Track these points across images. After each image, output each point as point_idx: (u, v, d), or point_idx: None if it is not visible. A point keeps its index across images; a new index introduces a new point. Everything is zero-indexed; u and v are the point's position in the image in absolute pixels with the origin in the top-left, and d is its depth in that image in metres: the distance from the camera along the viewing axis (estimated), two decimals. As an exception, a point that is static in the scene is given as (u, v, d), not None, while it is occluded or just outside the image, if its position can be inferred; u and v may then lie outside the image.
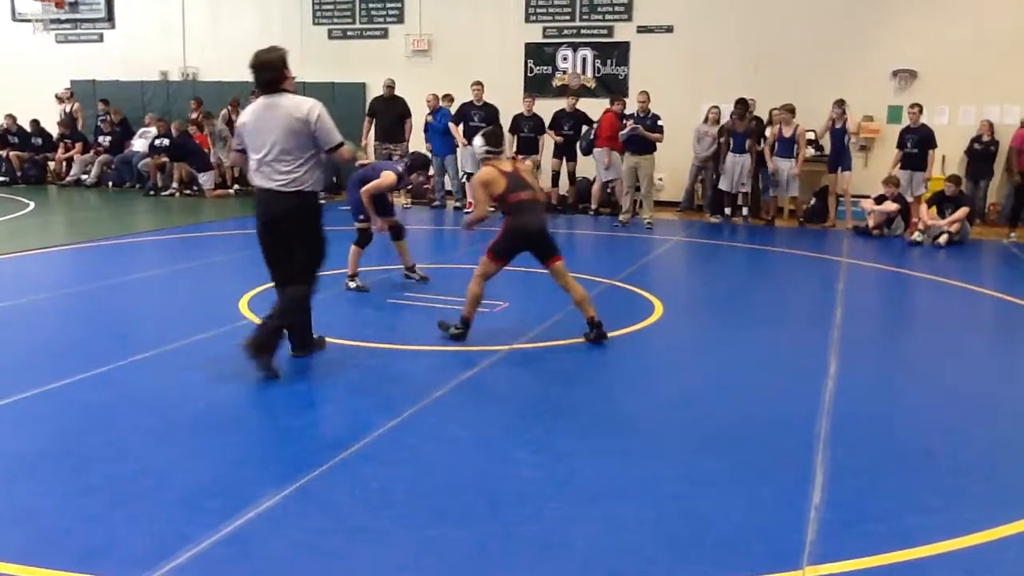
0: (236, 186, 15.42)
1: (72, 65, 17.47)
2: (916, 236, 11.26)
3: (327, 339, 5.86)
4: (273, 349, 5.12)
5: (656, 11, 14.40)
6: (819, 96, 12.75)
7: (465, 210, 12.72)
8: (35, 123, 17.03)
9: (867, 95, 13.21)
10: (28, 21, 17.84)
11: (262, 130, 5.10)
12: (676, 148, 13.14)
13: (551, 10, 14.98)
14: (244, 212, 13.13)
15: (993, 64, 12.73)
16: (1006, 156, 12.66)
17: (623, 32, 14.68)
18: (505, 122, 13.81)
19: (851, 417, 4.71)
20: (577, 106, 13.69)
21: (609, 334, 6.16)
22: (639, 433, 4.49)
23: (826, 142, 12.83)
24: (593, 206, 13.54)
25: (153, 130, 15.74)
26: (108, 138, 16.48)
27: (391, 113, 13.87)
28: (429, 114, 13.85)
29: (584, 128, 13.52)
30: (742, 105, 12.64)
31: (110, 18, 17.53)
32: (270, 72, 5.07)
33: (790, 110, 12.46)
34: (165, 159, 15.23)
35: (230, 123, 15.58)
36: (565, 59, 15.01)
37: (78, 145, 16.73)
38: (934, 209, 11.55)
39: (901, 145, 12.32)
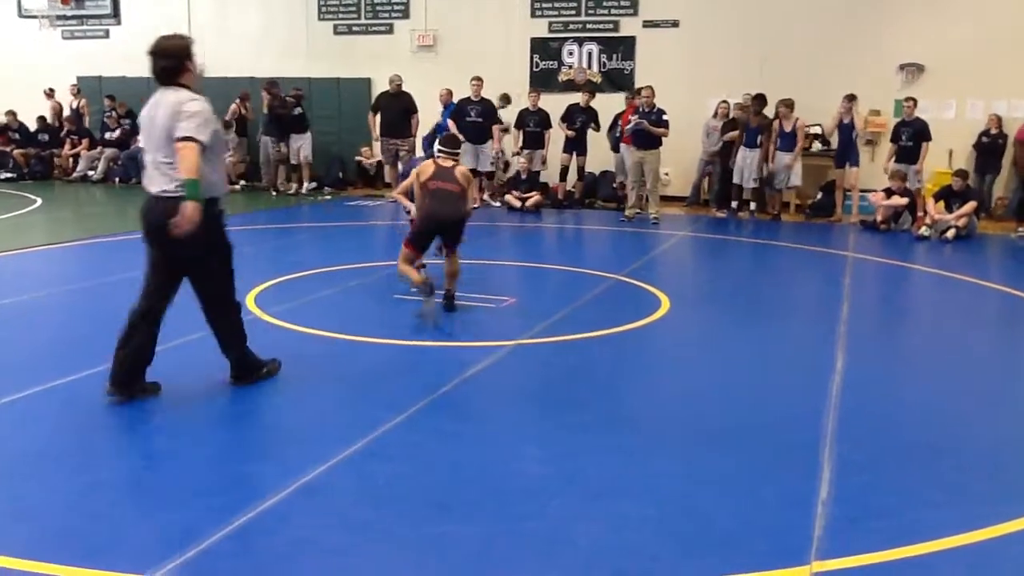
0: (242, 182, 15.44)
1: (78, 61, 17.48)
2: (923, 231, 11.21)
3: (331, 334, 5.84)
4: (254, 368, 4.95)
5: (662, 5, 14.37)
6: (825, 91, 12.72)
7: None
8: (41, 119, 17.07)
9: (874, 89, 13.15)
10: (34, 17, 17.85)
11: (147, 127, 4.48)
12: (682, 143, 13.10)
13: (557, 4, 14.96)
14: (250, 208, 13.17)
15: (1001, 58, 12.68)
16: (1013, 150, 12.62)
17: (629, 27, 14.65)
18: (511, 117, 13.86)
19: (857, 413, 4.70)
20: (592, 102, 13.68)
21: (614, 329, 6.16)
22: (644, 429, 4.48)
23: (834, 137, 12.80)
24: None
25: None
26: (115, 133, 16.51)
27: (396, 108, 13.86)
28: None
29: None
30: (760, 100, 12.59)
31: (116, 14, 17.52)
32: (165, 60, 4.46)
33: (788, 105, 12.42)
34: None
35: (240, 119, 15.63)
36: (571, 54, 14.98)
37: (84, 141, 16.76)
38: (941, 203, 11.50)
39: (895, 138, 12.30)
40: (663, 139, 12.23)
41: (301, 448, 4.09)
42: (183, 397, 4.77)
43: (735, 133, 12.93)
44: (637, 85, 13.74)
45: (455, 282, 6.90)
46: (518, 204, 13.15)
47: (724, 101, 13.28)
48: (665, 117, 12.26)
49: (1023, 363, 6.18)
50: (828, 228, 12.21)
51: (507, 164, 14.21)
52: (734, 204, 13.02)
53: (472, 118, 13.24)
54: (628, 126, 12.44)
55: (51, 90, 17.25)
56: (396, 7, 15.82)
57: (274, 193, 14.78)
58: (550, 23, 15.02)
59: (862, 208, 12.50)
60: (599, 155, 13.91)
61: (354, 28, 16.11)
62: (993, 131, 12.60)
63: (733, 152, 12.92)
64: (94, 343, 5.80)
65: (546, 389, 5.16)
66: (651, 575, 3.09)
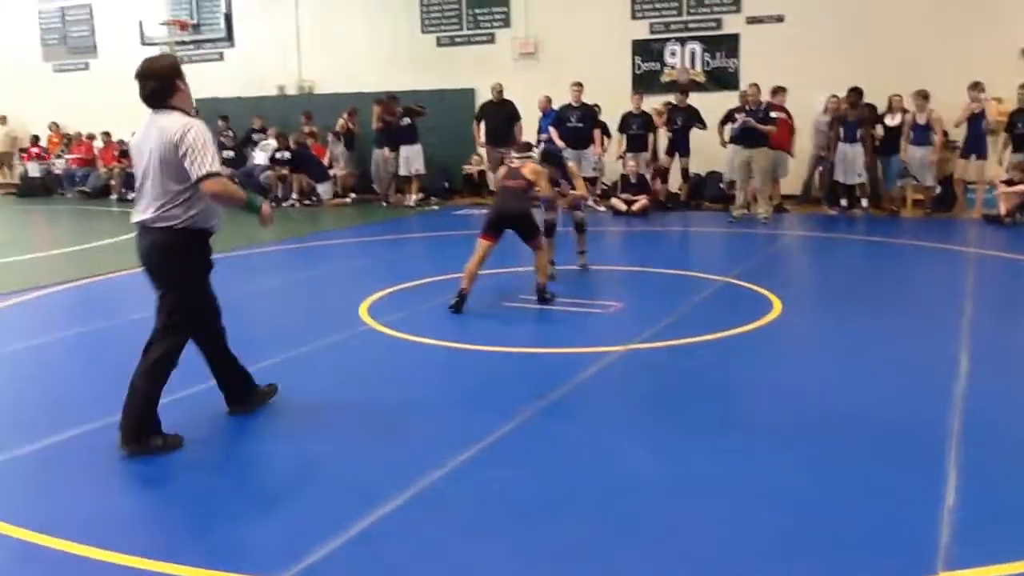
0: (352, 195, 15.86)
1: (195, 84, 18.13)
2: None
3: (443, 343, 5.95)
4: (148, 431, 4.23)
5: (766, 1, 14.08)
6: (940, 79, 12.23)
7: None
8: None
9: (994, 76, 12.57)
10: (156, 44, 18.73)
11: (137, 154, 4.26)
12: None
13: (657, 5, 14.83)
14: (362, 220, 13.51)
15: None
16: None
17: (732, 24, 14.41)
18: (614, 120, 13.81)
19: (984, 415, 4.51)
20: (688, 101, 13.54)
21: (726, 333, 6.09)
22: (759, 432, 4.41)
23: (954, 128, 12.26)
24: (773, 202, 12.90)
25: (272, 142, 16.32)
26: (230, 152, 17.18)
27: (500, 116, 14.02)
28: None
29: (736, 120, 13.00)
30: (855, 93, 12.24)
31: (230, 37, 18.23)
32: (154, 82, 4.19)
33: (924, 95, 11.97)
34: (285, 171, 15.77)
35: (348, 132, 16.06)
36: (673, 54, 14.83)
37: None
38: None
39: (1010, 128, 11.71)
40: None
41: (417, 454, 4.17)
42: (303, 405, 4.94)
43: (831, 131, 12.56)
44: (742, 83, 13.53)
45: (545, 276, 7.30)
46: (624, 208, 13.10)
47: (834, 95, 12.91)
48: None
49: None
50: (948, 223, 11.74)
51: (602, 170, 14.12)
52: (844, 202, 12.65)
53: (573, 123, 13.27)
54: (735, 125, 12.24)
55: None
56: (497, 16, 15.98)
57: (385, 204, 15.11)
58: (651, 24, 14.91)
59: (987, 202, 11.96)
60: (704, 155, 13.71)
61: (456, 39, 16.34)
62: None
63: (831, 148, 12.57)
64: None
65: (658, 393, 5.14)
66: (771, 581, 3.05)
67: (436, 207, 14.87)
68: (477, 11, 16.11)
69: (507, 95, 14.12)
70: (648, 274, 8.82)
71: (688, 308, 7.12)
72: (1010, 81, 12.64)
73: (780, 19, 14.03)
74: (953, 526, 3.32)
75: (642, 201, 13.10)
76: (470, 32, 16.23)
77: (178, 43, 18.55)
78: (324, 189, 15.53)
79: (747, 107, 12.18)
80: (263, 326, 7.12)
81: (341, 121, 16.05)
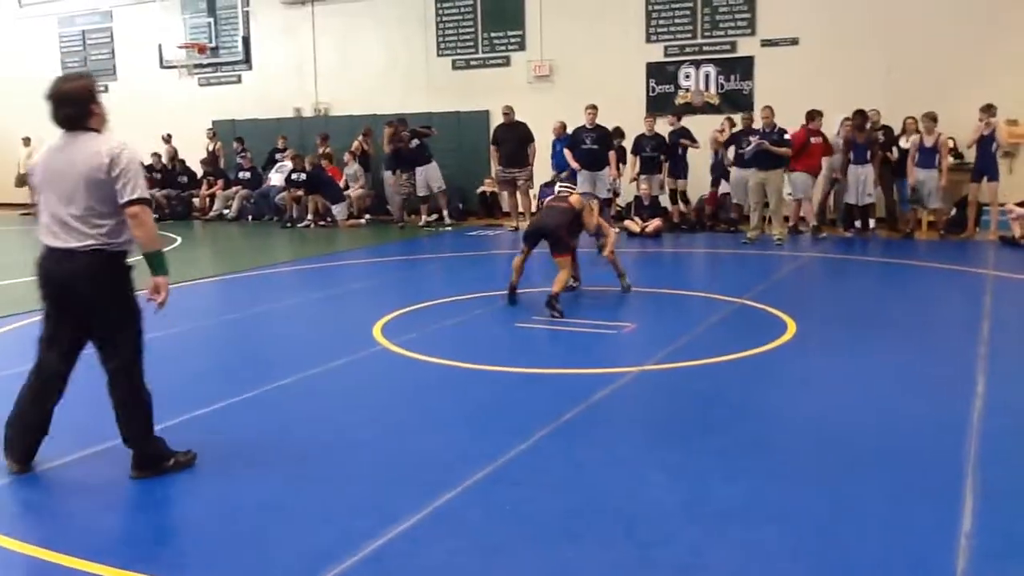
0: (367, 216, 15.94)
1: (213, 106, 18.47)
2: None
3: (456, 363, 5.95)
4: (159, 458, 4.24)
5: (780, 24, 14.13)
6: (955, 102, 12.24)
7: None
8: (181, 162, 18.05)
9: (1010, 98, 12.56)
10: (174, 67, 19.00)
11: (53, 179, 4.05)
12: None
13: (672, 28, 14.91)
14: (376, 241, 13.56)
15: None
16: None
17: (746, 47, 14.47)
18: (628, 142, 13.86)
19: (1002, 438, 4.48)
20: (682, 123, 13.65)
21: (740, 354, 6.08)
22: (775, 455, 4.39)
23: (968, 150, 12.25)
24: (813, 222, 12.85)
25: (288, 164, 16.44)
26: (247, 174, 17.33)
27: (514, 139, 14.10)
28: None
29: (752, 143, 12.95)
30: (860, 116, 12.25)
31: (247, 60, 18.45)
32: (70, 107, 4.02)
33: (932, 118, 11.97)
34: (300, 192, 15.87)
35: (364, 154, 16.18)
36: (688, 77, 14.89)
37: (220, 182, 17.65)
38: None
39: None
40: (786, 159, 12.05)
41: (430, 474, 4.17)
42: (319, 425, 4.95)
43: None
44: (756, 105, 13.55)
45: (559, 286, 7.60)
46: (637, 229, 13.11)
47: (847, 118, 12.91)
48: (787, 136, 12.05)
49: None
50: (963, 245, 11.69)
51: (616, 192, 14.15)
52: (857, 223, 12.63)
53: (588, 145, 13.32)
54: (748, 148, 12.27)
55: (168, 135, 18.24)
56: (512, 40, 16.09)
57: (400, 226, 15.17)
58: (666, 47, 14.98)
59: (1001, 224, 11.91)
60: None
61: (472, 63, 16.46)
62: None
63: (844, 171, 12.58)
64: (238, 373, 6.11)
65: (672, 415, 5.12)
66: (786, 605, 3.02)
67: (450, 227, 14.92)
68: (493, 34, 16.23)
69: (522, 117, 14.19)
70: (662, 295, 8.81)
71: (702, 329, 7.11)
72: (1026, 103, 12.65)
73: (795, 42, 14.07)
74: (970, 552, 3.29)
75: (656, 223, 13.11)
76: (485, 55, 16.34)
77: (196, 66, 18.78)
78: (339, 210, 15.62)
79: (761, 129, 12.20)
80: (277, 345, 7.16)
81: (356, 143, 16.16)
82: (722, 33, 14.60)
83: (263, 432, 4.83)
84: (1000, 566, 3.21)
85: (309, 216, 15.70)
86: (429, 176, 14.89)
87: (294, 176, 16.04)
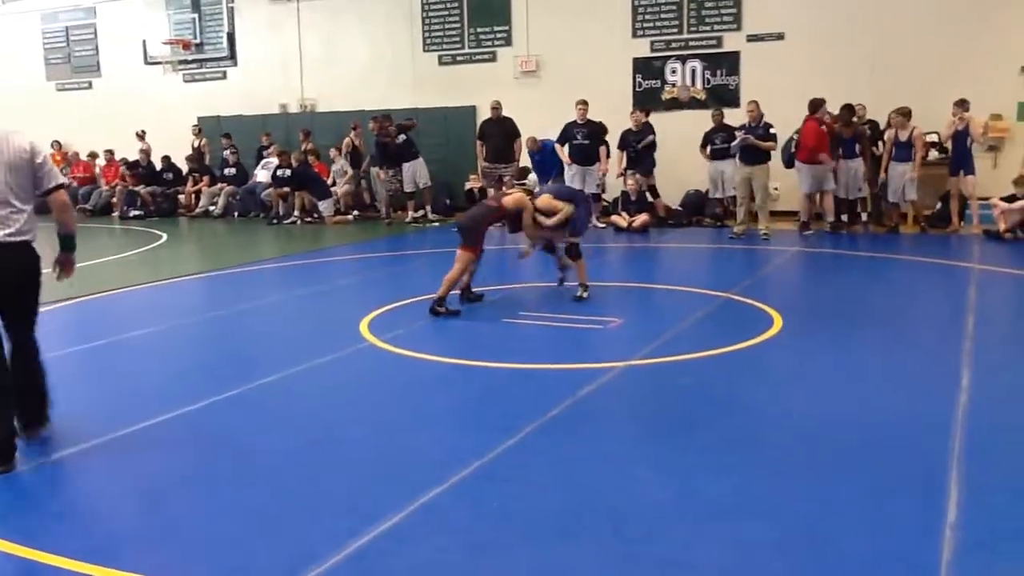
0: (355, 212, 15.89)
1: (198, 102, 18.36)
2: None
3: (442, 359, 5.95)
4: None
5: (766, 19, 14.14)
6: (941, 96, 12.25)
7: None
8: (166, 159, 17.96)
9: (994, 93, 12.62)
10: (159, 63, 18.87)
11: None
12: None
13: (658, 24, 14.90)
14: (362, 238, 13.52)
15: None
16: None
17: (732, 42, 14.47)
18: (613, 138, 13.85)
19: (986, 431, 4.50)
20: (647, 119, 13.63)
21: (726, 348, 6.09)
22: (762, 450, 4.39)
23: (950, 145, 12.32)
24: (803, 219, 12.64)
25: (274, 160, 16.37)
26: (232, 170, 17.26)
27: (500, 134, 14.07)
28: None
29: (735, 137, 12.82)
30: (847, 111, 12.27)
31: (232, 56, 18.34)
32: None
33: (904, 113, 12.01)
34: (287, 189, 15.81)
35: (354, 150, 16.12)
36: (674, 72, 14.90)
37: (205, 178, 17.57)
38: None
39: None
40: (772, 153, 12.08)
41: (416, 471, 4.16)
42: (303, 422, 4.94)
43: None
44: (742, 100, 13.57)
45: (445, 288, 7.57)
46: (624, 224, 13.11)
47: (830, 113, 12.92)
48: (773, 131, 12.08)
49: None
50: (947, 240, 11.73)
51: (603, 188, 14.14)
52: (844, 217, 12.67)
53: (579, 140, 13.31)
54: (734, 142, 12.30)
55: (143, 132, 18.13)
56: (499, 35, 16.05)
57: (387, 222, 15.12)
58: (652, 42, 14.97)
59: (983, 218, 11.97)
60: (702, 173, 13.73)
61: (458, 58, 16.41)
62: None
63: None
64: (221, 370, 6.09)
65: (659, 410, 5.13)
66: (772, 599, 3.03)
67: (436, 224, 14.89)
68: (479, 29, 16.19)
69: (509, 112, 14.17)
70: (648, 290, 8.82)
71: (689, 324, 7.12)
72: (1010, 99, 12.71)
73: (780, 37, 14.09)
74: (955, 544, 3.30)
75: (642, 218, 13.12)
76: (472, 50, 16.29)
77: (181, 62, 18.66)
78: (326, 206, 15.55)
79: (747, 124, 12.22)
80: (263, 342, 7.13)
81: (348, 139, 16.10)
82: (708, 28, 14.60)
83: (247, 430, 4.81)
84: (984, 557, 3.22)
85: (296, 212, 15.63)
86: (417, 172, 14.85)
87: (280, 172, 15.98)
